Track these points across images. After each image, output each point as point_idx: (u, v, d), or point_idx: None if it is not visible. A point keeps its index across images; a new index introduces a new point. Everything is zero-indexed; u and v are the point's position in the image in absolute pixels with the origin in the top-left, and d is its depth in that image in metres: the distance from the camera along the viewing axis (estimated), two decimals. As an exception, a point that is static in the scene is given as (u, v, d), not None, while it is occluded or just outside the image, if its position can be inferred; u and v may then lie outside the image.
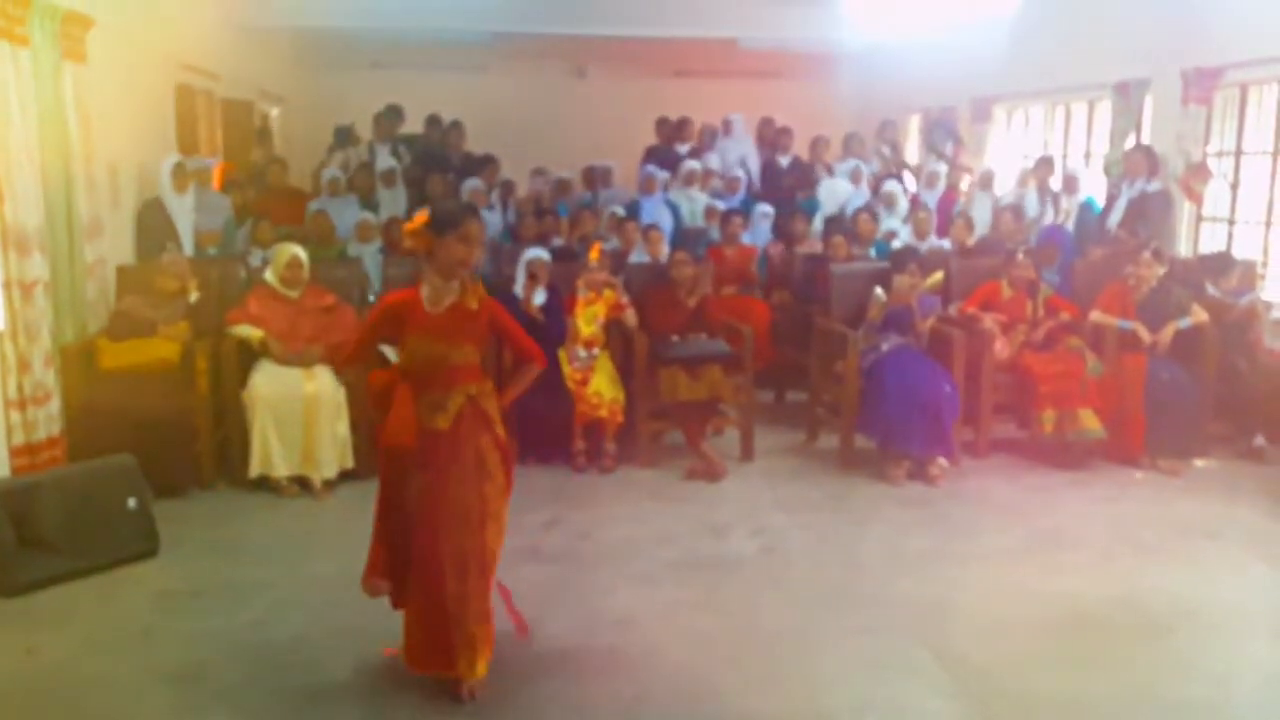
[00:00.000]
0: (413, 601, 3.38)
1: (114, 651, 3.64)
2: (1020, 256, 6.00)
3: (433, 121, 9.31)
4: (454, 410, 3.34)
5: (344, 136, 9.29)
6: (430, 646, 3.30)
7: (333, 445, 5.24)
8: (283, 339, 5.32)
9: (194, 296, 5.55)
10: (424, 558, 3.30)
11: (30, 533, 4.15)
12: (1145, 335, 5.75)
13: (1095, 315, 5.89)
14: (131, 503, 4.42)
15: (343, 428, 5.28)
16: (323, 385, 5.25)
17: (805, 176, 9.00)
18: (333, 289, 5.71)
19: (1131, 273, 5.93)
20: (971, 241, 7.07)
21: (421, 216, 3.37)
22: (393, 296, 3.47)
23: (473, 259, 3.37)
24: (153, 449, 4.79)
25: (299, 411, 5.17)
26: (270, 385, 5.19)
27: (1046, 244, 6.83)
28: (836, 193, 8.45)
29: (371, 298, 6.17)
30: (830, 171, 9.09)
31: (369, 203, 7.74)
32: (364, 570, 3.55)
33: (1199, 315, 5.79)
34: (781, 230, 7.80)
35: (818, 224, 7.75)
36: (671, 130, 9.54)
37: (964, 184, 8.60)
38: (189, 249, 6.27)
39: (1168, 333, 5.73)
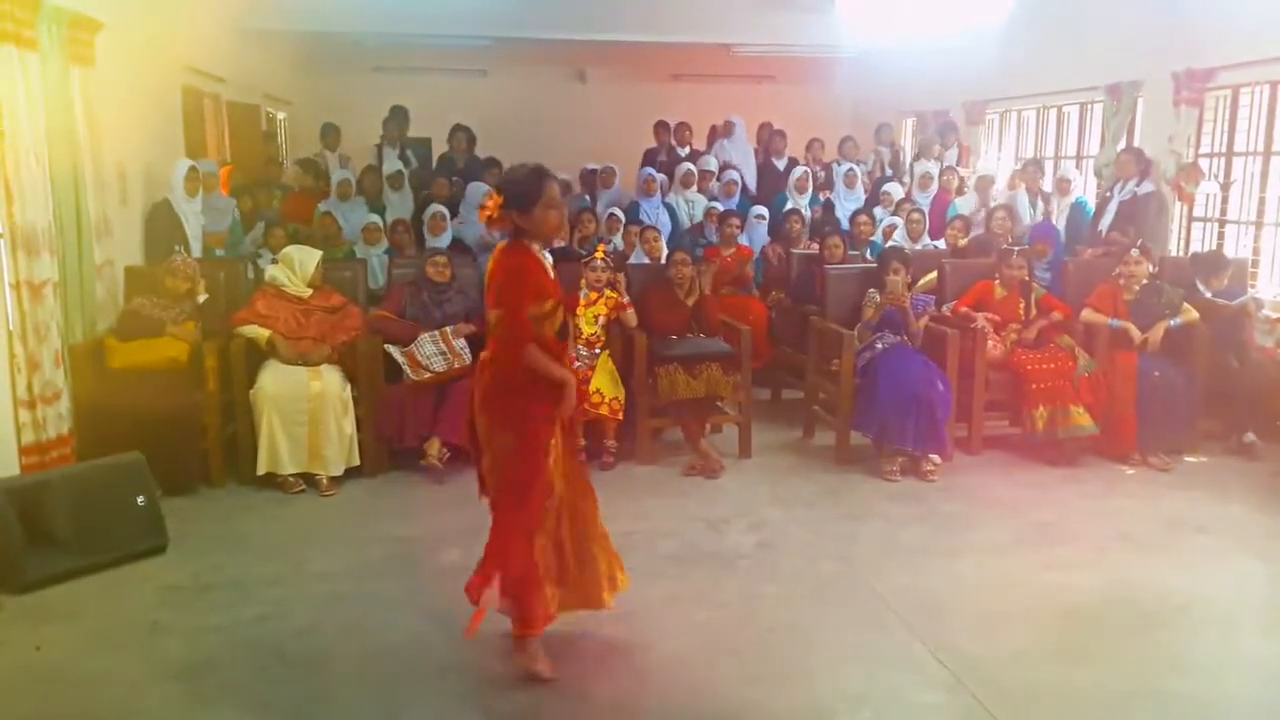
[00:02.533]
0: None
1: (122, 646, 3.67)
2: (1014, 256, 6.07)
3: (454, 131, 9.34)
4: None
5: (331, 136, 9.36)
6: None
7: (339, 443, 5.30)
8: (290, 338, 5.40)
9: (202, 297, 5.62)
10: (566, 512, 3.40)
11: (40, 530, 4.19)
12: (1136, 334, 5.82)
13: (1086, 314, 5.97)
14: (140, 500, 4.46)
15: (349, 426, 5.34)
16: (329, 384, 5.31)
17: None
18: (340, 289, 5.79)
19: (1121, 271, 6.00)
20: (964, 242, 7.13)
21: (496, 199, 3.26)
22: (520, 258, 3.26)
23: (564, 219, 3.34)
24: (161, 447, 4.84)
25: (305, 410, 5.23)
26: (277, 384, 5.25)
27: (1038, 238, 6.88)
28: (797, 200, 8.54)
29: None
30: (828, 172, 9.17)
31: (376, 205, 7.81)
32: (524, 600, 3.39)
33: (1189, 314, 5.86)
34: (778, 231, 7.88)
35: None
36: (670, 134, 9.62)
37: (968, 181, 8.66)
38: (197, 250, 6.34)
39: (1158, 331, 5.80)
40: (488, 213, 3.26)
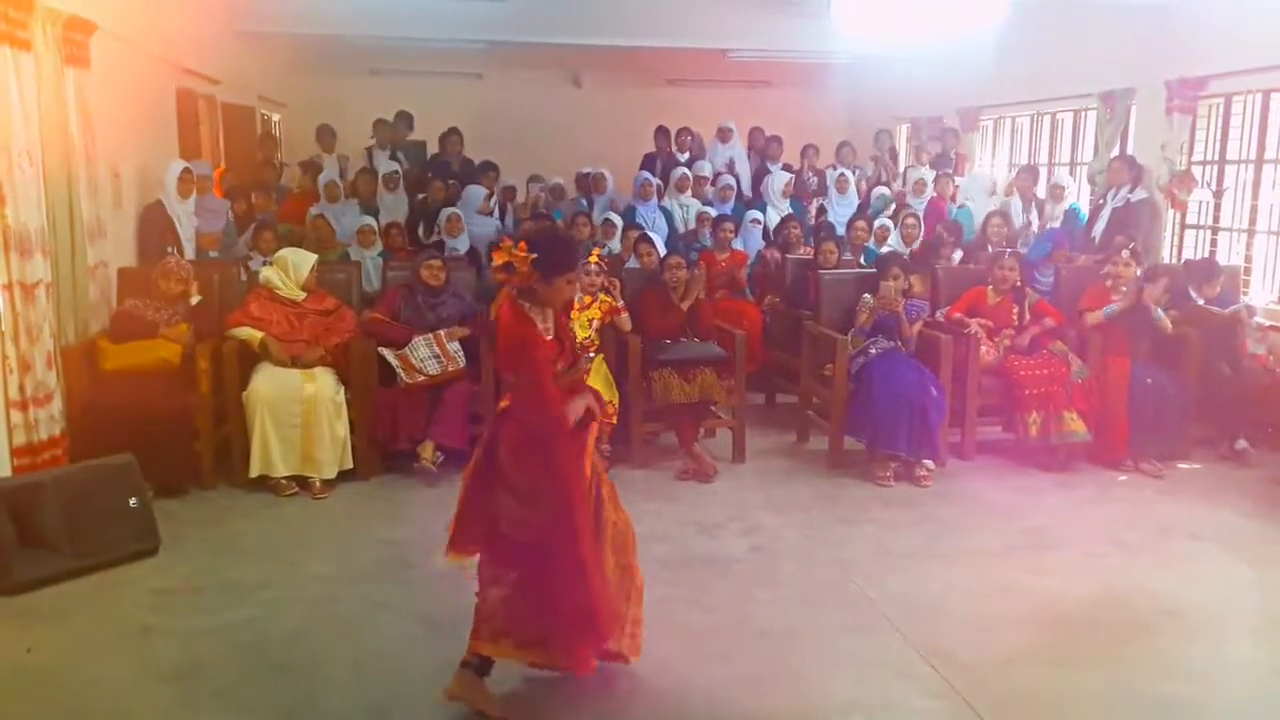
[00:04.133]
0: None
1: (113, 649, 3.66)
2: (1006, 258, 6.09)
3: (447, 134, 9.33)
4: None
5: (327, 137, 9.37)
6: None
7: (332, 446, 5.29)
8: (283, 341, 5.39)
9: (195, 299, 5.61)
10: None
11: (31, 531, 4.18)
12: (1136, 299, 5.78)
13: (1090, 318, 5.94)
14: (132, 502, 4.44)
15: (341, 429, 5.34)
16: (322, 386, 5.30)
17: (797, 184, 9.09)
18: (333, 292, 5.78)
19: (1109, 272, 6.03)
20: (960, 250, 7.16)
21: (524, 252, 3.15)
22: (519, 327, 3.19)
23: (575, 295, 3.34)
24: (153, 449, 4.82)
25: (298, 412, 5.22)
26: (270, 386, 5.24)
27: (1058, 248, 6.89)
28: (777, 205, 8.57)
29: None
30: (821, 177, 9.20)
31: (369, 207, 7.80)
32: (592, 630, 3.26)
33: (1167, 325, 5.85)
34: (774, 235, 7.91)
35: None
36: (669, 139, 9.64)
37: (962, 189, 8.70)
38: (190, 252, 6.33)
39: (1158, 290, 5.80)
40: (508, 259, 3.16)
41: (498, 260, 3.19)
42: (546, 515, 3.16)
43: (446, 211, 7.33)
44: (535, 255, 3.15)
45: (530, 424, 3.19)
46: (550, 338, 3.26)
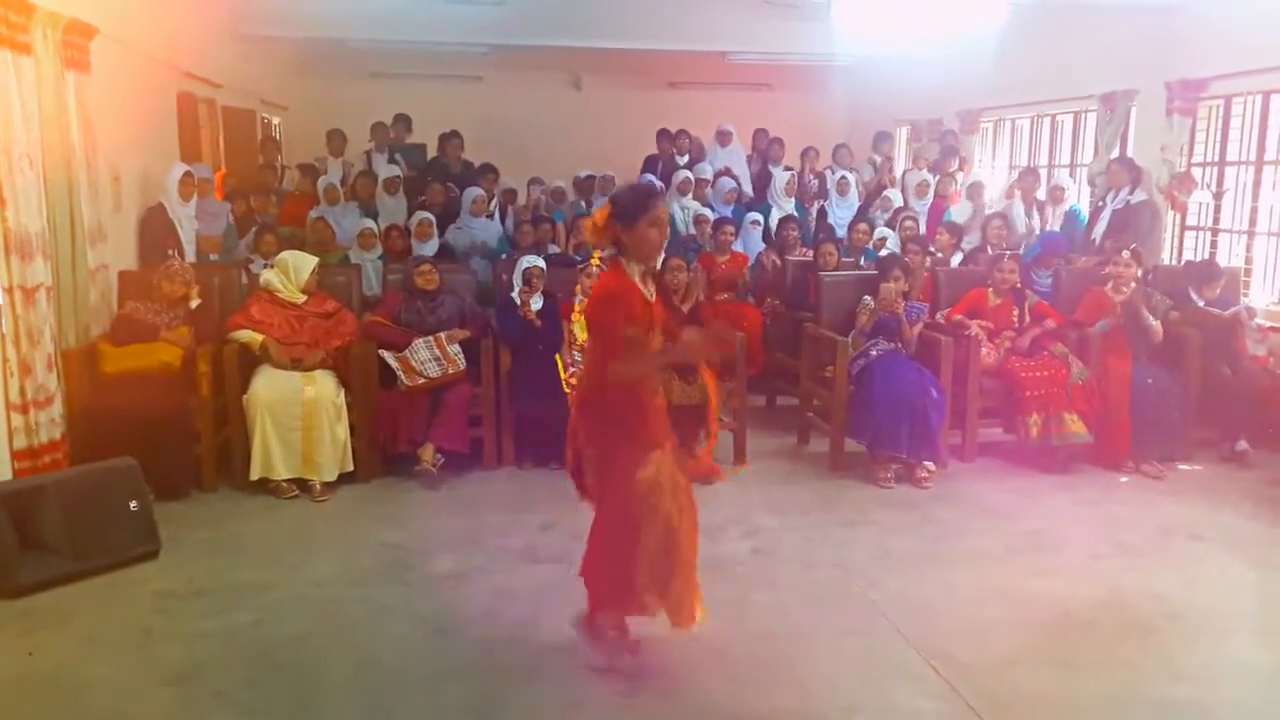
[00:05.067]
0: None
1: (114, 652, 3.66)
2: (1006, 260, 6.09)
3: (447, 137, 9.32)
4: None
5: (337, 141, 9.38)
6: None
7: (332, 449, 5.29)
8: (283, 343, 5.39)
9: (196, 302, 5.61)
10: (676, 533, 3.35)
11: (32, 535, 4.18)
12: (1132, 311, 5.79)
13: (1098, 326, 5.95)
14: (133, 505, 4.44)
15: (342, 431, 5.34)
16: (323, 389, 5.31)
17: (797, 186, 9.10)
18: (333, 294, 5.78)
19: (1110, 273, 6.03)
20: (961, 253, 7.14)
21: (604, 211, 3.31)
22: (616, 284, 3.29)
23: (664, 239, 3.34)
24: (154, 452, 4.83)
25: (299, 415, 5.22)
26: (271, 389, 5.24)
27: (1047, 250, 6.90)
28: (781, 205, 8.57)
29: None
30: (821, 180, 9.20)
31: (369, 210, 7.81)
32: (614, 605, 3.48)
33: (1158, 330, 5.86)
34: (774, 237, 7.91)
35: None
36: (671, 141, 9.65)
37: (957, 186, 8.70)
38: (191, 255, 6.34)
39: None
40: (593, 222, 3.31)
41: (587, 229, 3.35)
42: (606, 495, 3.38)
43: (417, 216, 7.29)
44: (613, 210, 3.27)
45: (593, 390, 3.33)
46: (650, 298, 3.31)
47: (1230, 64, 6.70)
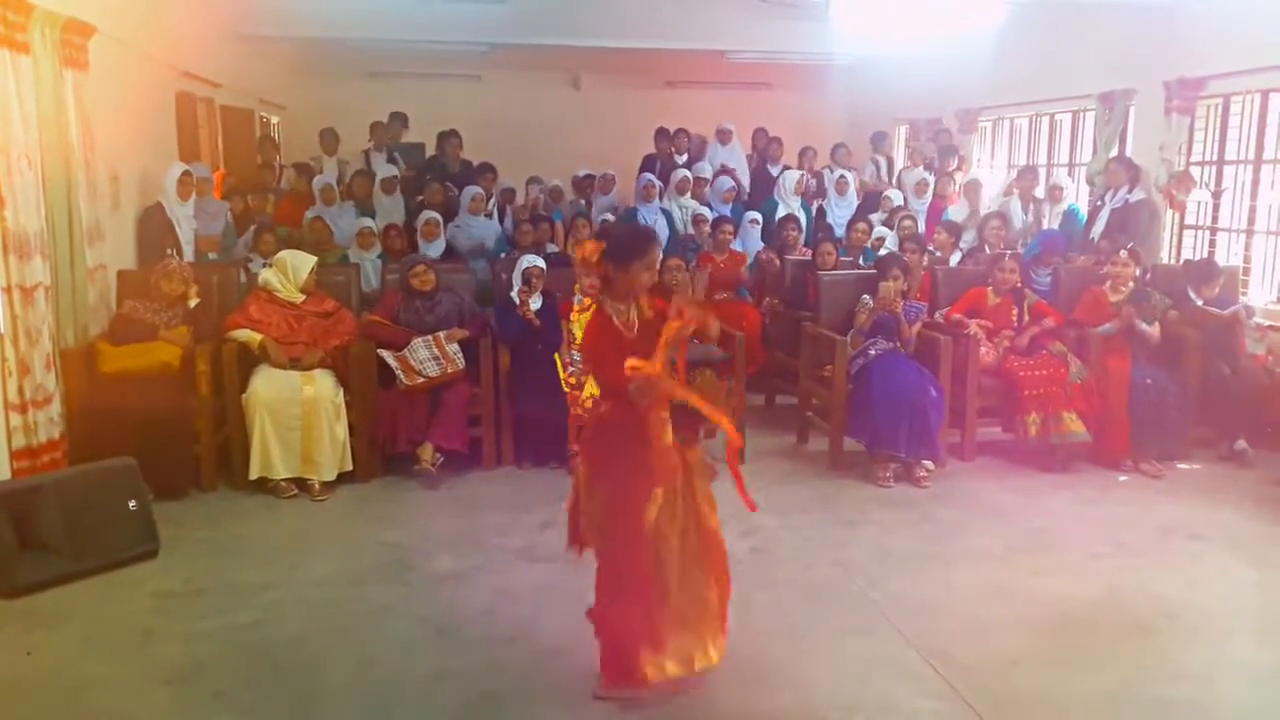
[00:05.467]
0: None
1: (114, 652, 3.66)
2: (1006, 259, 6.09)
3: (446, 135, 9.31)
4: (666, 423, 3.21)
5: (330, 140, 9.36)
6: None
7: (331, 448, 5.29)
8: (282, 343, 5.38)
9: (194, 301, 5.60)
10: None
11: (31, 534, 4.18)
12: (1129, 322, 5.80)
13: (1101, 330, 5.95)
14: (132, 504, 4.44)
15: (341, 431, 5.33)
16: (321, 389, 5.30)
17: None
18: (332, 294, 5.77)
19: (1109, 272, 6.03)
20: (960, 252, 7.14)
21: (596, 245, 3.24)
22: (598, 330, 3.26)
23: (654, 280, 3.28)
24: (153, 452, 4.82)
25: (298, 415, 5.22)
26: (270, 389, 5.24)
27: (1046, 248, 6.91)
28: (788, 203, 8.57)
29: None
30: (819, 179, 9.20)
31: (366, 209, 7.80)
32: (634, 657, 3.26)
33: (1155, 335, 5.85)
34: (773, 237, 7.91)
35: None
36: (669, 140, 9.64)
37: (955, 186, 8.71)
38: (189, 254, 6.33)
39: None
40: (585, 254, 3.23)
41: (578, 257, 3.28)
42: (596, 524, 3.28)
43: (424, 215, 7.28)
44: (606, 245, 3.22)
45: (607, 407, 3.27)
46: (632, 334, 3.24)
47: (1229, 63, 6.71)
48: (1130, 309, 5.81)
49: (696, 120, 10.19)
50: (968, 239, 7.58)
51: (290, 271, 5.57)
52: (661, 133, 9.75)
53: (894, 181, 9.46)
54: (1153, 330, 5.84)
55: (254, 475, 5.22)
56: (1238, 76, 6.74)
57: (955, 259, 7.20)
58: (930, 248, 7.14)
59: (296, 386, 5.26)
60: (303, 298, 5.57)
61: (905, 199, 8.57)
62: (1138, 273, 6.05)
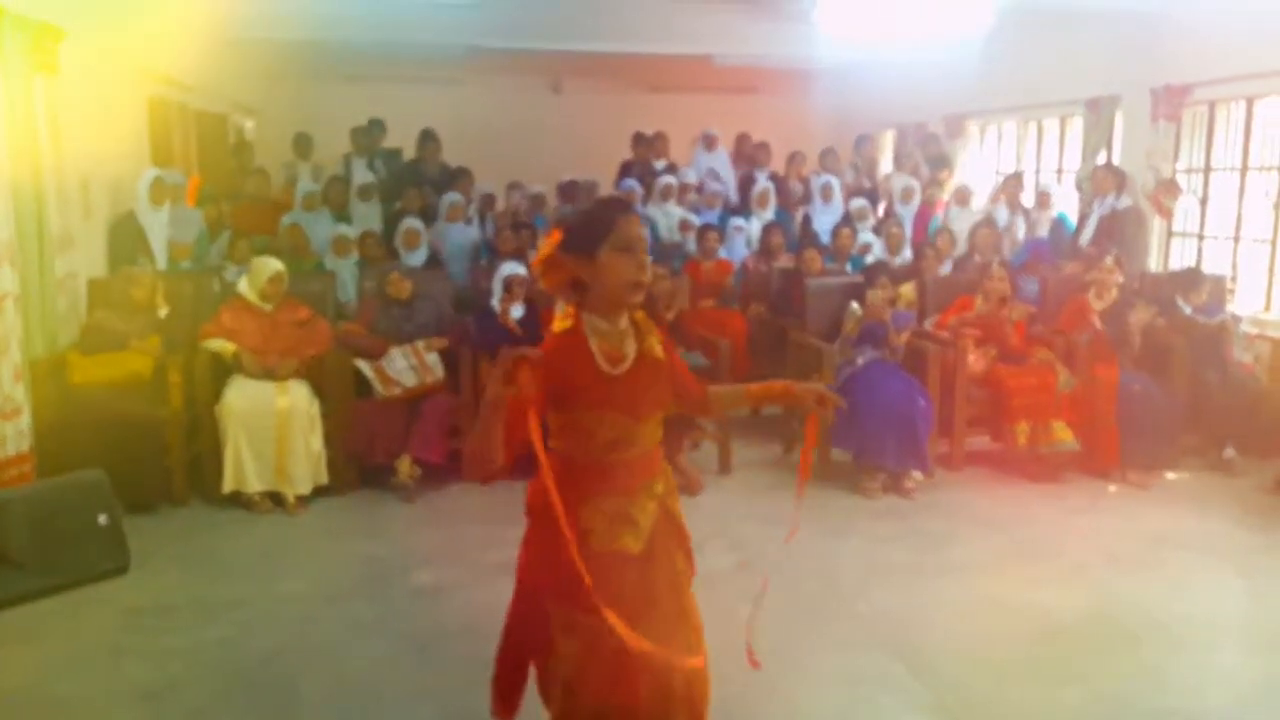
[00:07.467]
0: None
1: (83, 670, 3.59)
2: (995, 268, 6.05)
3: (424, 138, 9.18)
4: (648, 524, 2.37)
5: (304, 145, 9.25)
6: None
7: (306, 461, 5.19)
8: (256, 352, 5.28)
9: (163, 311, 5.49)
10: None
11: (-3, 550, 4.07)
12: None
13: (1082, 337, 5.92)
14: (102, 519, 4.36)
15: (316, 443, 5.24)
16: (296, 400, 5.20)
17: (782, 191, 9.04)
18: (307, 302, 5.67)
19: (1094, 278, 6.00)
20: (950, 260, 7.11)
21: (553, 238, 2.32)
22: (551, 345, 2.30)
23: (646, 275, 2.29)
24: (124, 464, 4.73)
25: (272, 426, 5.12)
26: (243, 400, 5.13)
27: (1032, 258, 6.88)
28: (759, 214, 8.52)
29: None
30: (806, 185, 9.15)
31: (342, 216, 7.68)
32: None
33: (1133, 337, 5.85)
34: (760, 244, 7.85)
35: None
36: (647, 145, 9.57)
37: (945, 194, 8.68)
38: (162, 263, 6.21)
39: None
40: (544, 254, 2.33)
41: (535, 265, 2.41)
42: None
43: (405, 224, 7.16)
44: (565, 236, 2.30)
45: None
46: (617, 371, 2.32)
47: (1215, 70, 6.71)
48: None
49: (682, 125, 10.14)
50: (958, 247, 7.54)
51: (250, 275, 5.46)
52: (639, 137, 9.68)
53: (873, 186, 9.42)
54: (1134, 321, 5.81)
55: (228, 489, 5.12)
56: (1224, 84, 6.75)
57: (945, 268, 7.17)
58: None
59: (271, 397, 5.16)
60: (271, 305, 5.45)
61: (891, 204, 8.53)
62: (1121, 279, 6.03)
